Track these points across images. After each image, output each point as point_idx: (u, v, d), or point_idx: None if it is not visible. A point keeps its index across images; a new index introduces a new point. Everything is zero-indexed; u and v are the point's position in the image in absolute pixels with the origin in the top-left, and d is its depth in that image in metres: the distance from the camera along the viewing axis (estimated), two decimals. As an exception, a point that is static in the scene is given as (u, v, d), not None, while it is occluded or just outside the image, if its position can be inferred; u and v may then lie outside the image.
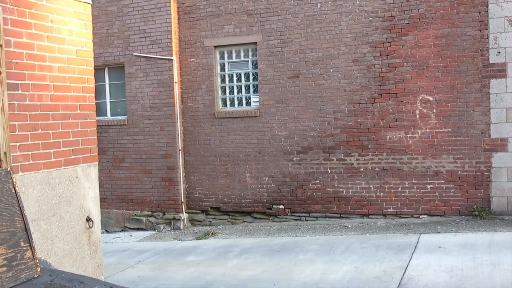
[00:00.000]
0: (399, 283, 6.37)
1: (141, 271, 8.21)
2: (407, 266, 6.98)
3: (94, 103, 5.97)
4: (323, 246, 8.62)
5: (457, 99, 9.53)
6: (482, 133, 9.43)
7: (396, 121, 9.90)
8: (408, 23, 9.74)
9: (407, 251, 7.70)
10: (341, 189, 10.32)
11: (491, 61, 9.33)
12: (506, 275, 6.29)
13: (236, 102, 11.23)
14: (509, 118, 9.26)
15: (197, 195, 11.42)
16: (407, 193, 9.91)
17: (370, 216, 10.17)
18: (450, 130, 9.58)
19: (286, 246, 8.85)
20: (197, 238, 10.27)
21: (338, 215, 10.39)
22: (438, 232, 8.77)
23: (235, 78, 11.20)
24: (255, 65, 10.99)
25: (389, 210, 10.05)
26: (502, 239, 7.85)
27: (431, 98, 9.67)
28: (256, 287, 6.82)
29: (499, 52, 9.28)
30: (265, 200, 10.89)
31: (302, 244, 8.86)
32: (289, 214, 10.73)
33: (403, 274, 6.69)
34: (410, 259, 7.32)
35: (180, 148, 11.32)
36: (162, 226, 11.41)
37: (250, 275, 7.33)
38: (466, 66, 9.45)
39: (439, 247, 7.70)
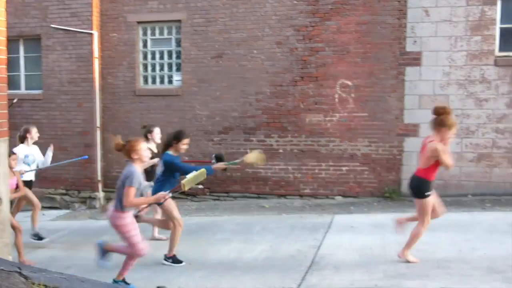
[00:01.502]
0: (312, 261, 6.08)
1: (53, 251, 7.40)
2: (320, 245, 6.70)
3: (6, 76, 5.19)
4: (240, 225, 8.15)
5: (374, 85, 9.35)
6: (396, 118, 9.30)
7: (316, 104, 9.59)
8: (332, 8, 9.42)
9: (321, 230, 7.40)
10: (260, 170, 9.88)
11: (407, 50, 9.19)
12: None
13: (158, 80, 10.49)
14: (421, 105, 9.18)
15: (115, 173, 10.59)
16: (323, 175, 9.64)
17: (287, 197, 9.82)
18: (367, 114, 9.39)
19: (203, 226, 8.31)
20: (113, 217, 9.51)
21: (257, 195, 9.96)
22: (351, 213, 8.55)
23: (157, 56, 10.45)
24: (178, 43, 10.29)
25: (305, 191, 9.74)
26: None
27: (350, 83, 9.44)
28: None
29: (415, 41, 9.16)
30: (185, 180, 10.29)
31: (220, 224, 8.35)
32: (208, 193, 10.18)
33: (316, 253, 6.39)
34: (324, 238, 7.04)
35: (98, 125, 10.45)
36: (77, 205, 10.51)
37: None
38: (384, 53, 9.27)
39: (351, 227, 7.45)
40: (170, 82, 10.40)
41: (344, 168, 9.52)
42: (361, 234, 7.14)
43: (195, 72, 10.08)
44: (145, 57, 10.51)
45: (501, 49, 8.93)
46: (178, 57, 10.33)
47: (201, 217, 9.03)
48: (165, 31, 10.40)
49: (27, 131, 7.73)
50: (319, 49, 9.50)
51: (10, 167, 6.35)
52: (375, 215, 8.21)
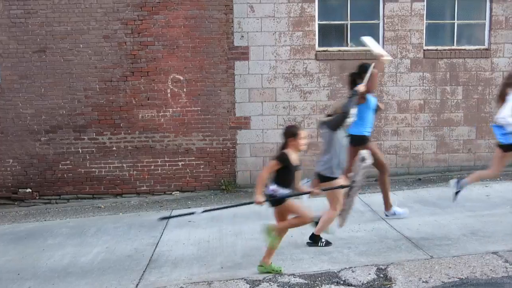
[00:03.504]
0: (150, 259, 5.68)
1: None
2: (158, 243, 6.25)
3: None
4: (74, 229, 7.23)
5: (205, 79, 8.83)
6: (228, 111, 8.90)
7: (148, 100, 8.82)
8: (159, 2, 8.65)
9: (159, 228, 6.82)
10: (93, 169, 8.90)
11: (235, 44, 8.80)
12: (247, 243, 5.98)
13: (-27, 77, 8.99)
14: (251, 98, 8.88)
15: None
16: (159, 171, 8.94)
17: (123, 195, 8.94)
18: (199, 108, 8.85)
19: (33, 232, 7.24)
20: None
21: (91, 196, 8.93)
22: (189, 207, 7.96)
23: (-29, 50, 8.93)
24: (-5, 36, 8.88)
25: (142, 188, 8.96)
26: (243, 211, 7.27)
27: (181, 78, 8.81)
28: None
29: (243, 36, 8.79)
30: (10, 184, 8.88)
31: (51, 229, 7.32)
32: (37, 197, 8.90)
33: (154, 250, 5.97)
34: (161, 235, 6.55)
35: None
36: None
37: None
38: (214, 48, 8.78)
39: (189, 221, 6.85)
40: (-13, 78, 8.94)
41: (180, 163, 8.91)
42: (199, 227, 6.75)
43: (15, 67, 8.71)
44: (-44, 52, 8.90)
45: (320, 44, 8.91)
46: (-5, 51, 8.89)
47: (30, 223, 7.84)
48: (-21, 23, 8.87)
49: None
50: (149, 43, 8.72)
51: None
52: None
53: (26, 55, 8.70)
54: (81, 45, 8.71)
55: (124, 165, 8.88)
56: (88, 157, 8.86)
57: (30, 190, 8.86)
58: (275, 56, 8.81)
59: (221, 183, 8.90)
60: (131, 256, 5.88)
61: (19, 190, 8.86)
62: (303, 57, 8.84)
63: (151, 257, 5.76)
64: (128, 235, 6.73)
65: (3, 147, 8.80)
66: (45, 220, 7.99)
